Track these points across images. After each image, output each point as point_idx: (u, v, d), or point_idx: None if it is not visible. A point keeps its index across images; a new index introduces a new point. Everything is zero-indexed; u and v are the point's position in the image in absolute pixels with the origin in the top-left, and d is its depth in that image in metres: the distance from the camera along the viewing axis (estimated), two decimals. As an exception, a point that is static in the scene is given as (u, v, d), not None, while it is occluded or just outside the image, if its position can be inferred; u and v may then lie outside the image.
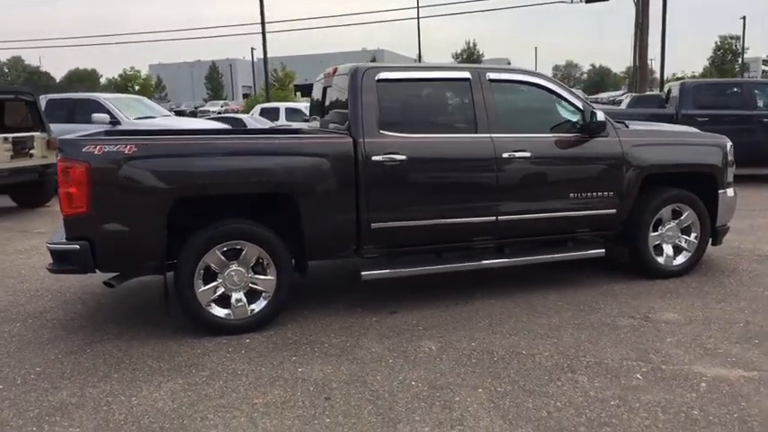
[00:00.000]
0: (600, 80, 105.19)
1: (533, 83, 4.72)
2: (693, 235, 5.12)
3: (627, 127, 5.05)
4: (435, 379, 3.35)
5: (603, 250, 4.88)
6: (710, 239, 5.27)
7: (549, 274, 5.14)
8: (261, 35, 27.82)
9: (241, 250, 3.97)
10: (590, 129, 4.65)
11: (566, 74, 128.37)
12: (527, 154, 4.50)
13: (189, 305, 3.92)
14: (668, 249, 5.07)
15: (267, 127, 12.22)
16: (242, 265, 3.99)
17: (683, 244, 5.11)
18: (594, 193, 4.72)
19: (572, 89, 4.98)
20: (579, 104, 4.75)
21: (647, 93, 17.79)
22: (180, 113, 38.37)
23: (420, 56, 39.07)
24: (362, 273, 4.29)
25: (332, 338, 3.95)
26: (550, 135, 4.69)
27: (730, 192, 5.24)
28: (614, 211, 4.80)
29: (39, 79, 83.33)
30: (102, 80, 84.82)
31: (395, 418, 2.94)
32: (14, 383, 3.40)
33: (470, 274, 4.94)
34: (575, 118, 4.76)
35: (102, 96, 11.00)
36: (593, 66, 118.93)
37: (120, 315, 4.47)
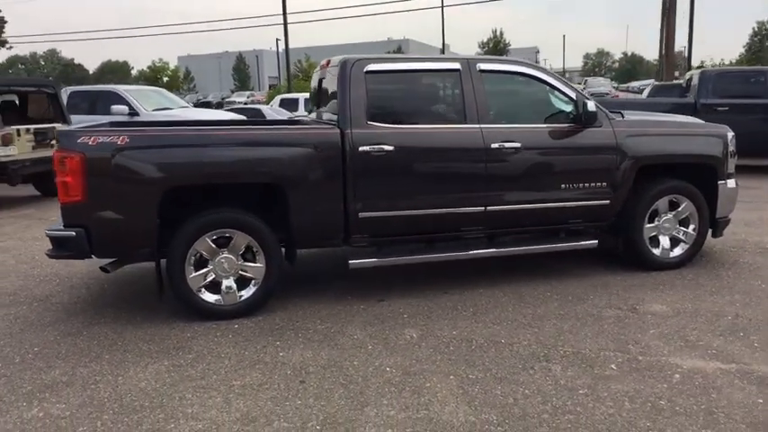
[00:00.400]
0: (632, 68, 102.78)
1: (525, 73, 4.71)
2: (692, 227, 5.06)
3: (623, 117, 5.01)
4: (410, 365, 3.42)
5: (596, 241, 4.86)
6: (711, 231, 5.21)
7: (543, 264, 5.15)
8: (280, 28, 27.97)
9: (230, 238, 4.09)
10: (582, 119, 4.63)
11: (596, 62, 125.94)
12: (517, 144, 4.51)
13: (180, 290, 4.06)
14: (665, 241, 5.02)
15: (286, 118, 12.36)
16: (232, 252, 4.12)
17: (681, 236, 5.06)
18: (587, 184, 4.70)
19: (565, 78, 4.94)
20: (572, 95, 4.72)
21: (669, 82, 17.38)
22: (206, 104, 38.98)
23: (444, 45, 38.80)
24: (350, 261, 4.37)
25: (317, 325, 4.05)
26: (542, 126, 4.68)
27: (731, 183, 5.15)
28: (607, 201, 4.78)
29: (73, 71, 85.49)
30: (134, 71, 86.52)
31: (364, 402, 3.03)
32: (13, 362, 3.59)
33: (463, 264, 4.99)
34: (568, 108, 4.75)
35: (121, 88, 11.28)
36: (624, 54, 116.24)
37: (121, 300, 4.65)
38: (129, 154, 3.83)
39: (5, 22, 27.73)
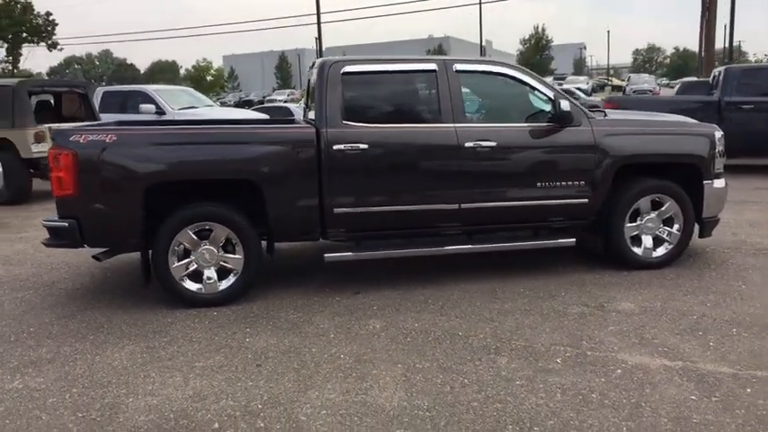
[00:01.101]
0: (683, 64, 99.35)
1: (502, 73, 4.79)
2: (676, 226, 5.03)
3: (605, 116, 5.03)
4: (364, 354, 3.59)
5: (574, 240, 4.91)
6: (698, 231, 5.18)
7: (526, 262, 5.22)
8: (324, 25, 28.42)
9: (211, 231, 4.35)
10: (559, 118, 4.69)
11: (647, 58, 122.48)
12: (492, 143, 4.60)
13: (164, 279, 4.35)
14: (647, 240, 5.02)
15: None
16: (213, 244, 4.37)
17: (665, 236, 5.04)
18: (564, 183, 4.75)
19: (543, 79, 4.99)
20: (550, 94, 4.78)
21: (697, 78, 16.86)
22: (248, 102, 39.95)
23: (481, 43, 38.58)
24: (325, 255, 4.57)
25: (290, 314, 4.27)
26: (518, 125, 4.77)
27: (719, 183, 5.10)
28: (586, 200, 4.82)
29: (125, 71, 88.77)
30: (182, 71, 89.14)
31: (309, 385, 3.22)
32: (8, 340, 3.94)
33: (446, 260, 5.14)
34: (548, 108, 4.81)
35: (150, 88, 11.81)
36: (676, 49, 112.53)
37: (118, 287, 4.99)
38: (116, 151, 4.13)
39: (56, 24, 29.15)
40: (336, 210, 4.46)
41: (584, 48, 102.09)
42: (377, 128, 4.52)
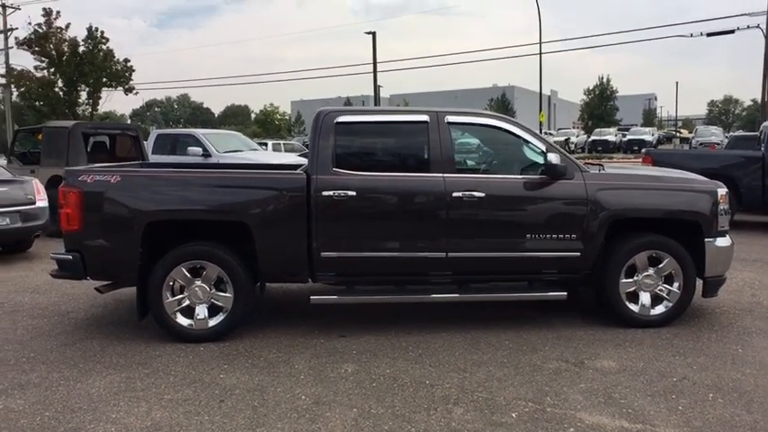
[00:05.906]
0: (762, 117, 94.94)
1: (494, 126, 4.88)
2: (676, 284, 4.86)
3: (601, 170, 5.00)
4: (325, 396, 3.66)
5: (565, 293, 4.83)
6: (702, 290, 4.98)
7: (520, 314, 5.16)
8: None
9: (203, 269, 4.58)
10: (551, 171, 4.70)
11: (723, 110, 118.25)
12: (480, 194, 4.65)
13: (157, 313, 4.59)
14: (645, 298, 4.86)
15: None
16: (205, 282, 4.60)
17: (664, 293, 4.87)
18: (555, 236, 4.72)
19: (536, 132, 5.01)
20: (543, 147, 4.81)
21: (746, 133, 16.14)
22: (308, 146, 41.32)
23: (540, 93, 38.43)
24: (311, 297, 4.70)
25: (271, 354, 4.39)
26: (509, 177, 4.81)
27: (722, 241, 4.91)
28: (578, 254, 4.75)
29: (201, 114, 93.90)
30: (253, 115, 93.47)
31: (261, 423, 3.32)
32: (8, 363, 4.26)
33: (438, 307, 5.17)
34: (541, 160, 4.83)
35: (200, 132, 12.54)
36: (753, 101, 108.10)
37: (124, 319, 5.28)
38: (119, 192, 4.48)
39: (134, 70, 31.55)
40: (324, 253, 4.60)
41: (655, 98, 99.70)
42: (366, 176, 4.68)
